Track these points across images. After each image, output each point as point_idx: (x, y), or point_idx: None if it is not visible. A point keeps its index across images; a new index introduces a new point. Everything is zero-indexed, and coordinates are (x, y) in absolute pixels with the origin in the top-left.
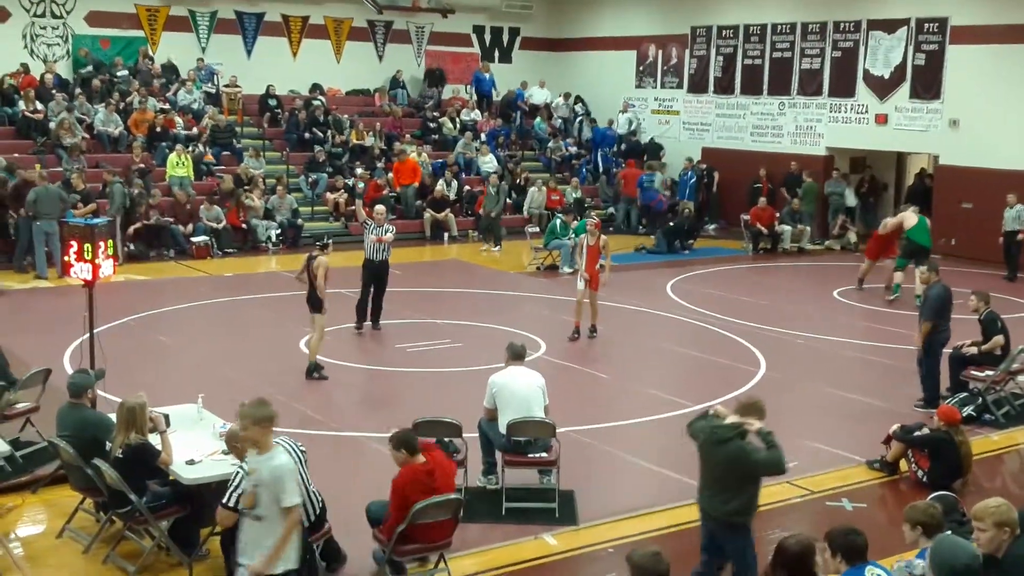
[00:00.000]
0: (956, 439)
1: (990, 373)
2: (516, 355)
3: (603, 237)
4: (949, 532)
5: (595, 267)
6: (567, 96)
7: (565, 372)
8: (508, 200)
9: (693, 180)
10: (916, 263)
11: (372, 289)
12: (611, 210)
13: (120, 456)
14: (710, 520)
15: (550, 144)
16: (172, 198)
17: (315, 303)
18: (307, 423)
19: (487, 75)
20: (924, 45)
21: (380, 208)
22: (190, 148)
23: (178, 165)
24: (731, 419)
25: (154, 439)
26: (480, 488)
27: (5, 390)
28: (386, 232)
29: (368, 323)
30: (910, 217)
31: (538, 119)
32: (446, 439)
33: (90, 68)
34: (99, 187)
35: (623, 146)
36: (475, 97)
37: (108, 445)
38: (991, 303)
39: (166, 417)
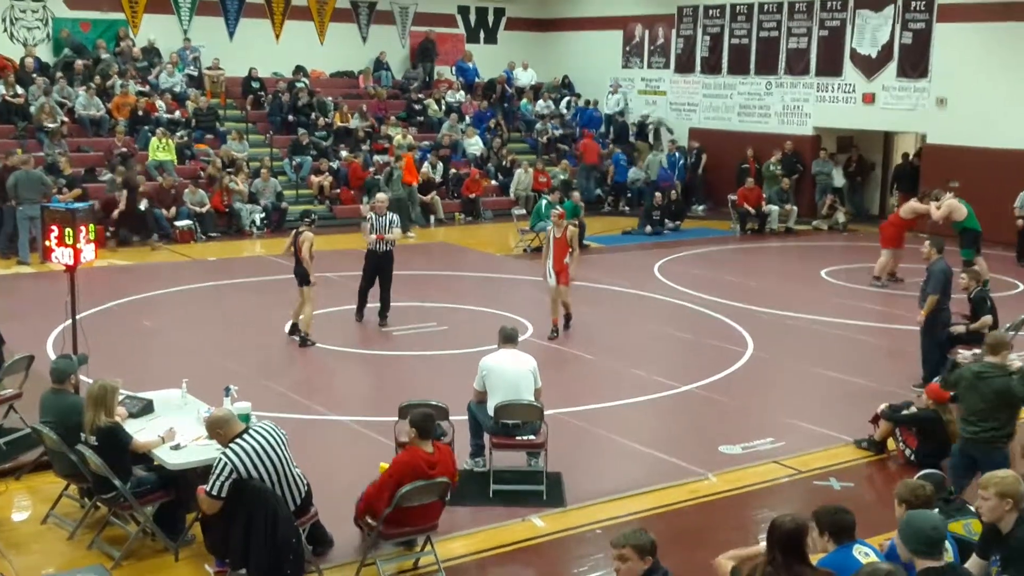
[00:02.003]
0: (944, 418)
1: (977, 352)
2: (507, 338)
3: (570, 228)
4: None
5: (563, 261)
6: (552, 94)
7: (552, 354)
8: (495, 182)
9: (681, 162)
10: (977, 251)
11: (377, 280)
12: (598, 192)
13: (95, 443)
14: (972, 444)
15: (537, 126)
16: (155, 182)
17: (302, 276)
18: (293, 407)
19: (471, 64)
20: (911, 23)
21: (381, 196)
22: (177, 134)
23: (159, 149)
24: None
25: (136, 424)
26: (468, 470)
27: None
28: (391, 227)
29: (366, 314)
30: (959, 207)
31: (524, 100)
32: None
33: (67, 52)
34: (80, 172)
35: (611, 127)
36: (460, 79)
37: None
38: (981, 281)
39: (149, 403)
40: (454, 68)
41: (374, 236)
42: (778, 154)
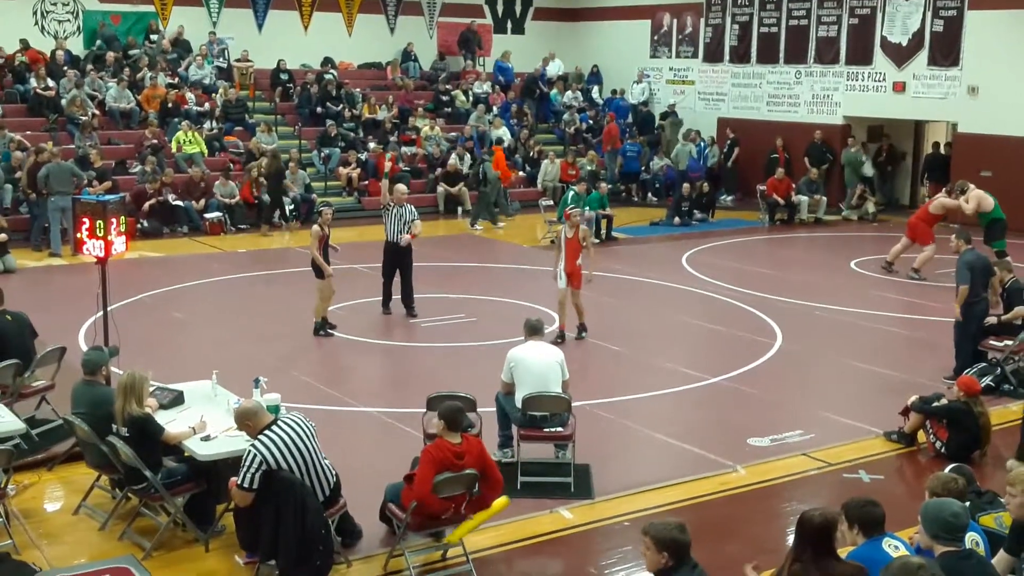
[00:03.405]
0: (975, 410)
1: (1009, 343)
2: (533, 330)
3: (583, 228)
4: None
5: (575, 262)
6: (578, 85)
7: (580, 346)
8: (522, 173)
9: (707, 152)
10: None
11: (397, 272)
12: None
13: (126, 434)
14: None
15: (564, 116)
16: (186, 174)
17: (314, 269)
18: (321, 398)
19: (509, 64)
20: (942, 11)
21: (401, 187)
22: (203, 124)
23: (187, 143)
24: None
25: (167, 415)
26: (496, 462)
27: (21, 369)
28: (414, 223)
29: (393, 306)
30: (986, 197)
31: (553, 91)
32: None
33: (100, 44)
34: (111, 164)
35: (636, 117)
36: (500, 79)
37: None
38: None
39: (180, 394)
40: (493, 66)
41: (408, 236)
42: (858, 146)
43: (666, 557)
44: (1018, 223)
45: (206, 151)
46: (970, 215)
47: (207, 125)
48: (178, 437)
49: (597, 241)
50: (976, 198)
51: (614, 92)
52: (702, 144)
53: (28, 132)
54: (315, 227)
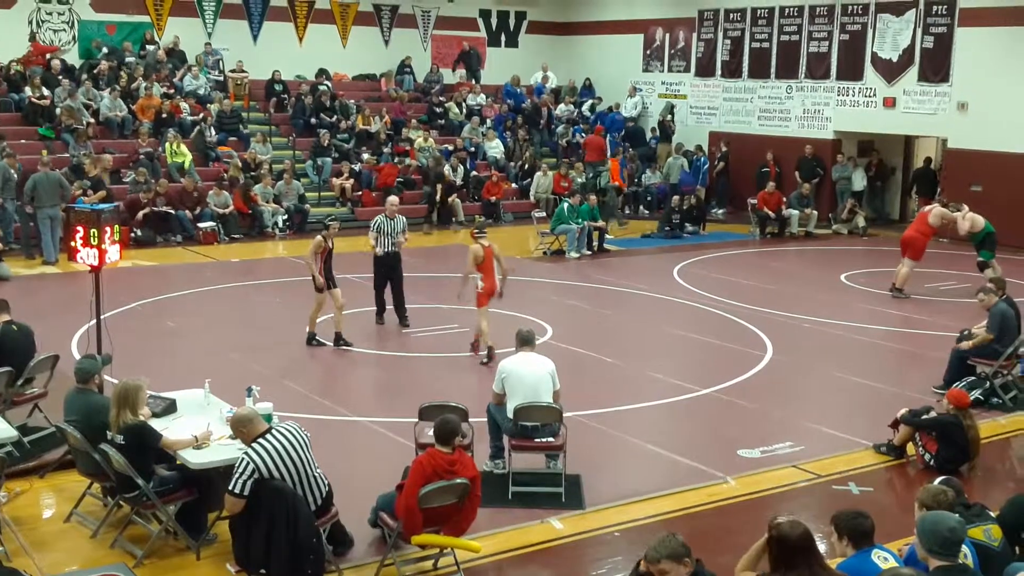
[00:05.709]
0: (964, 423)
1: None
2: (525, 341)
3: (494, 246)
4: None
5: (492, 279)
6: (571, 98)
7: (572, 357)
8: (514, 185)
9: (706, 167)
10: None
11: (388, 283)
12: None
13: (122, 442)
14: None
15: (558, 129)
16: (179, 184)
17: (314, 281)
18: (313, 407)
19: (519, 89)
20: (933, 28)
21: (393, 199)
22: (195, 130)
23: (173, 153)
24: None
25: (160, 423)
26: (487, 472)
27: (14, 378)
28: (403, 231)
29: (388, 315)
30: (979, 218)
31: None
32: None
33: (103, 53)
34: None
35: (626, 131)
36: (508, 102)
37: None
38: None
39: (172, 402)
40: (503, 89)
41: (402, 240)
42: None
43: (690, 564)
44: (1009, 238)
45: (187, 163)
46: (963, 235)
47: (196, 129)
48: (178, 444)
49: (589, 253)
50: (971, 219)
51: (610, 109)
52: (702, 159)
53: (22, 141)
54: (318, 237)
